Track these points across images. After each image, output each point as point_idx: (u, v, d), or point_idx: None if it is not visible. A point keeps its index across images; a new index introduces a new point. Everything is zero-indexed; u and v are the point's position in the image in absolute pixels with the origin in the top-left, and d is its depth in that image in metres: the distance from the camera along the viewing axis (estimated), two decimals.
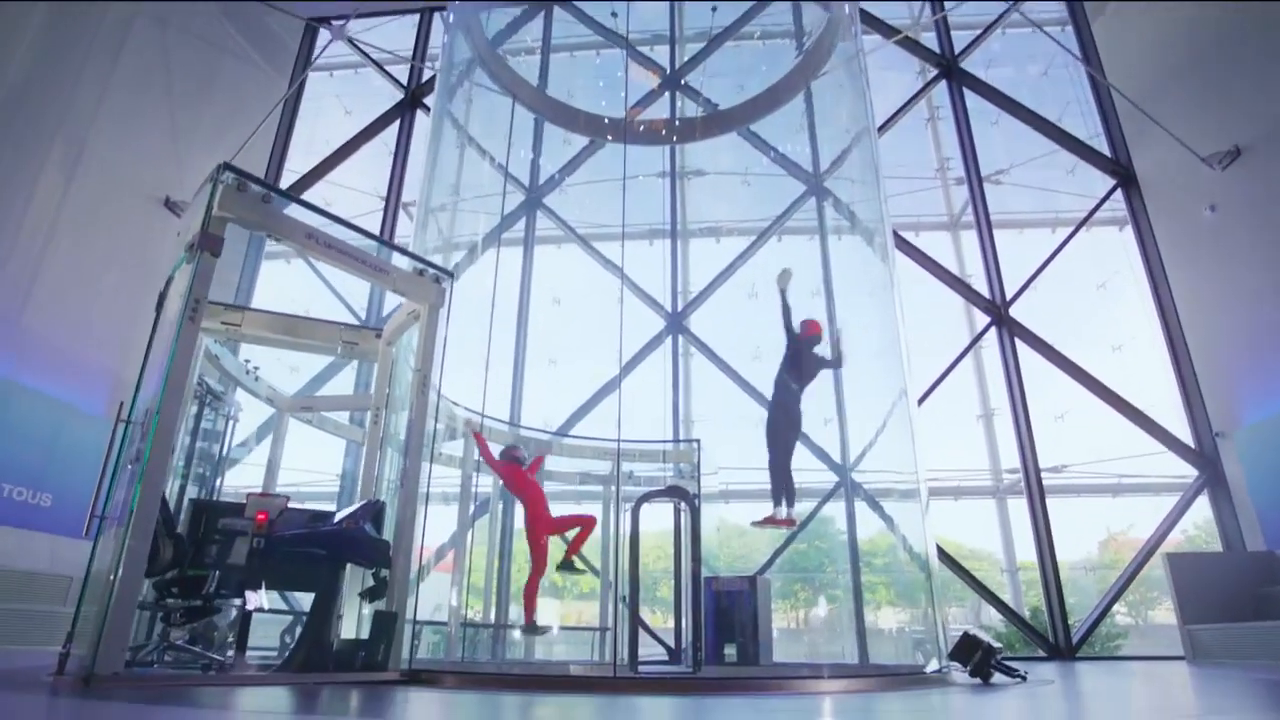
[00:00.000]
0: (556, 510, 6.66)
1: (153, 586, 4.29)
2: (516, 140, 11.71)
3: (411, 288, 4.80)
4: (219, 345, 5.65)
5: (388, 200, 11.04)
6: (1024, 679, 4.71)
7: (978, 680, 4.75)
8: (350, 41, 12.44)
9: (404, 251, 5.02)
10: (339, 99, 13.73)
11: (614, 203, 11.94)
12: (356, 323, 5.78)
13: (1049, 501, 9.64)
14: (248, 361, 6.05)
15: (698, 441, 7.53)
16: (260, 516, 4.87)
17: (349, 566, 4.75)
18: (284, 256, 12.03)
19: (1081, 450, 11.25)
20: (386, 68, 12.62)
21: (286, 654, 4.18)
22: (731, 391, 10.07)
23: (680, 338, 10.05)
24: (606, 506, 8.64)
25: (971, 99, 11.82)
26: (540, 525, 6.41)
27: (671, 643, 7.07)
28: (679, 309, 10.26)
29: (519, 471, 6.56)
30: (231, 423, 6.06)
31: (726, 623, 6.60)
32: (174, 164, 9.46)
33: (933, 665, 5.16)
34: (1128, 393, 10.05)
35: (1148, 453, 10.48)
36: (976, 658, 4.70)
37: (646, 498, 7.15)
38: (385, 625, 4.25)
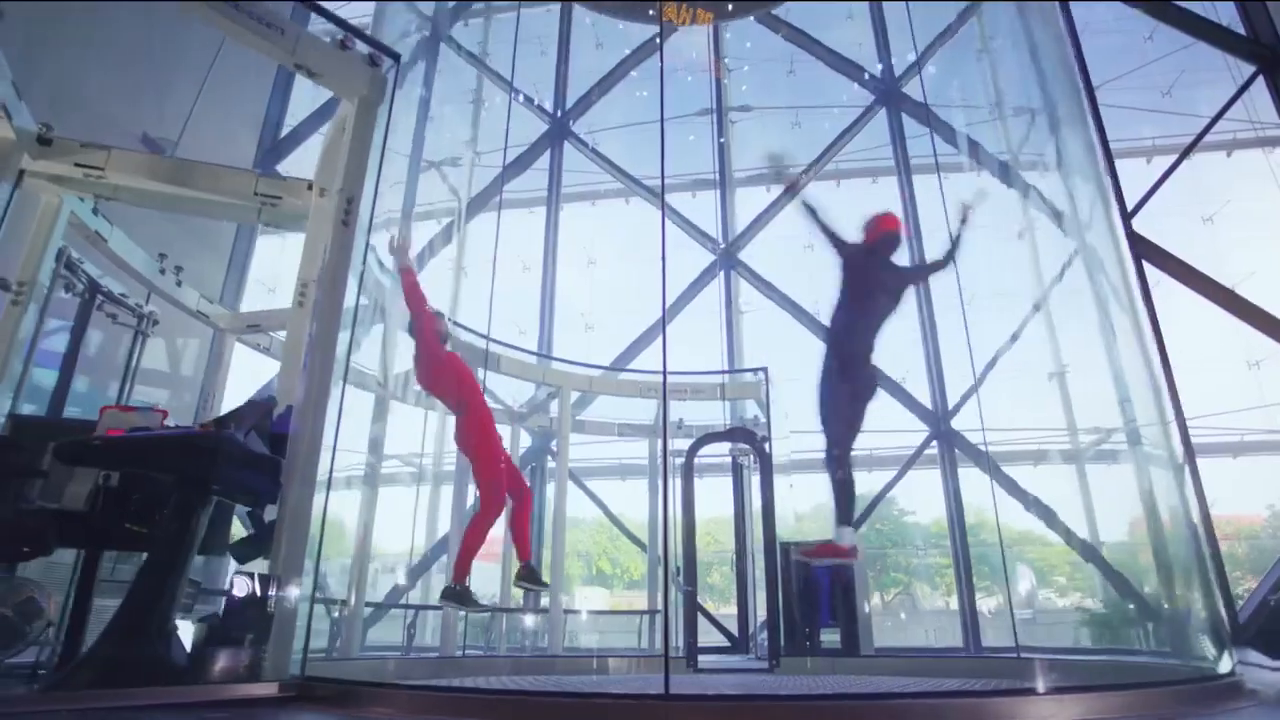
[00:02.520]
0: None
1: None
2: (541, 77, 9.86)
3: (327, 66, 2.76)
4: (105, 221, 3.71)
5: None
6: None
7: None
8: None
9: (322, 11, 2.97)
10: None
11: (651, 150, 9.96)
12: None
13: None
14: (163, 257, 4.10)
15: (764, 370, 5.33)
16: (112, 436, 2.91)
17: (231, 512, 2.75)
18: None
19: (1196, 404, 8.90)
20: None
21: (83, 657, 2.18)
22: (791, 342, 8.00)
23: (732, 272, 7.86)
24: (652, 473, 6.57)
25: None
26: (494, 440, 3.63)
27: (734, 627, 4.97)
28: (728, 240, 8.08)
29: (457, 360, 3.79)
30: (142, 338, 4.14)
31: (813, 601, 4.42)
32: (154, 99, 7.77)
33: (1224, 664, 2.88)
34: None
35: None
36: None
37: (704, 440, 5.08)
38: (253, 602, 2.20)
